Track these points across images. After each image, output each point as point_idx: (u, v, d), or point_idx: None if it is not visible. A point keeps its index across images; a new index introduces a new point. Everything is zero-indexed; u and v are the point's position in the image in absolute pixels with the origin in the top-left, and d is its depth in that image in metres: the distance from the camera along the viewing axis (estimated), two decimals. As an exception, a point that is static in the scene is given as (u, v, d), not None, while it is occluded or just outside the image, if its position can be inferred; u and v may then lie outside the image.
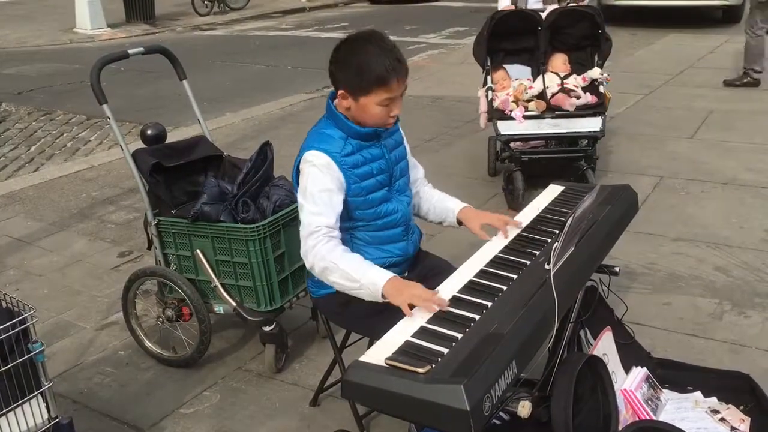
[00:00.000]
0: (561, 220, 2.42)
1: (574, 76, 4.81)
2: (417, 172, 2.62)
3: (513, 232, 2.45)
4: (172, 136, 3.63)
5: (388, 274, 2.13)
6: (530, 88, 4.80)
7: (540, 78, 4.83)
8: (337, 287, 2.24)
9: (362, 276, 2.14)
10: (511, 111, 4.74)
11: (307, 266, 2.27)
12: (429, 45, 11.60)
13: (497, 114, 4.77)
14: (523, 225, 2.51)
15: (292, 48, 12.01)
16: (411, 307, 1.99)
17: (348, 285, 2.17)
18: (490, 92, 4.88)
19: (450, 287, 2.11)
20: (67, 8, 14.80)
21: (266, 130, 6.92)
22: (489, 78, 4.93)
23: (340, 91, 2.26)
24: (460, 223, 2.55)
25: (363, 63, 2.18)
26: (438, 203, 2.60)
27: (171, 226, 3.09)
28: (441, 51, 11.14)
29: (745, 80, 7.53)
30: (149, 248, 3.27)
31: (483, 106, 4.99)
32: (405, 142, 2.54)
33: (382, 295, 2.09)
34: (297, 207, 2.98)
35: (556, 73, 4.84)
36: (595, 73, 4.79)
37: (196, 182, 3.21)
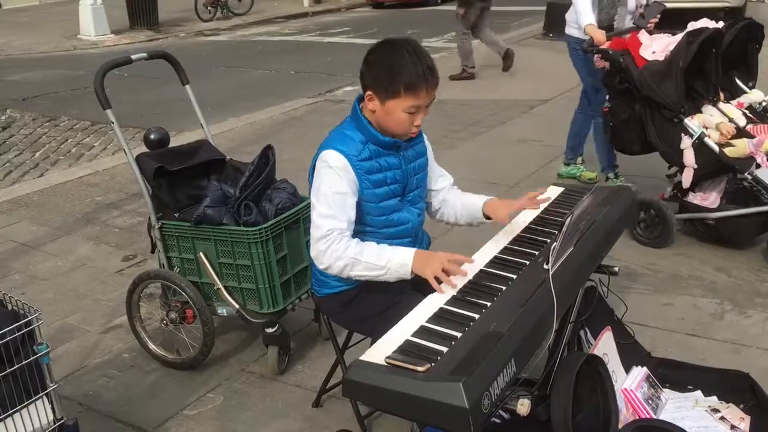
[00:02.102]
0: (560, 220, 2.43)
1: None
2: (444, 180, 2.60)
3: (517, 229, 2.48)
4: (176, 141, 3.66)
5: (411, 251, 2.20)
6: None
7: (713, 110, 4.02)
8: (359, 279, 2.27)
9: (387, 261, 2.20)
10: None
11: (321, 268, 2.28)
12: (431, 49, 11.51)
13: (746, 164, 3.81)
14: (524, 223, 2.53)
15: (295, 53, 12.05)
16: (439, 282, 2.11)
17: (373, 274, 2.23)
18: (709, 140, 3.84)
19: (450, 287, 2.13)
20: (71, 15, 14.89)
21: (269, 134, 6.95)
22: (691, 121, 3.89)
23: (368, 93, 2.25)
24: (488, 217, 2.51)
25: (395, 67, 2.17)
26: (462, 206, 2.57)
27: (174, 229, 3.11)
28: (443, 54, 11.16)
29: (463, 75, 9.08)
30: (153, 251, 3.29)
31: (690, 161, 3.88)
32: (429, 153, 2.51)
33: (412, 271, 2.18)
34: (298, 210, 3.02)
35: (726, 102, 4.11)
36: (758, 95, 4.15)
37: (199, 186, 3.23)
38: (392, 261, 2.20)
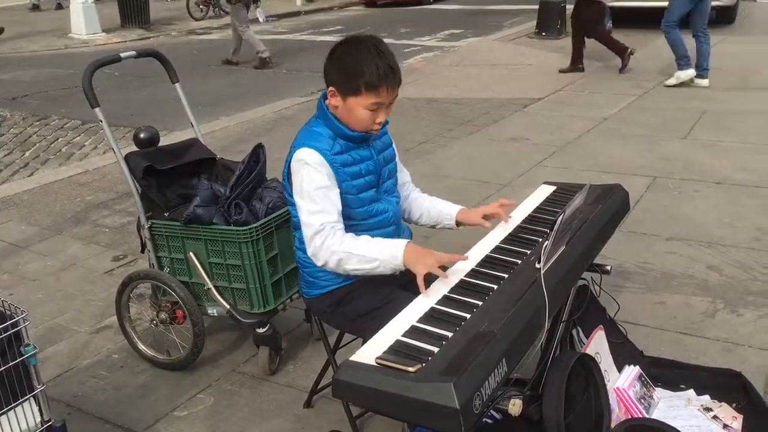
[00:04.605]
0: (552, 219, 2.42)
1: None
2: (404, 176, 2.63)
3: (508, 228, 2.48)
4: (166, 141, 3.63)
5: (402, 243, 2.21)
6: None
7: None
8: (356, 273, 2.27)
9: (379, 253, 2.20)
10: None
11: (319, 265, 2.28)
12: (424, 48, 11.63)
13: None
14: (516, 222, 2.52)
15: (287, 52, 12.02)
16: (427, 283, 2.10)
17: (368, 267, 2.22)
18: None
19: (441, 286, 2.12)
20: (62, 14, 14.83)
21: (260, 133, 6.93)
22: None
23: (330, 89, 2.28)
24: (458, 224, 2.56)
25: (356, 64, 2.19)
26: (431, 207, 2.62)
27: (164, 229, 3.09)
28: (436, 53, 11.18)
29: (263, 63, 10.59)
30: (143, 251, 3.26)
31: None
32: (393, 145, 2.55)
33: (404, 264, 2.18)
34: (289, 209, 3.00)
35: None
36: None
37: (188, 185, 3.21)
38: (383, 252, 2.21)
